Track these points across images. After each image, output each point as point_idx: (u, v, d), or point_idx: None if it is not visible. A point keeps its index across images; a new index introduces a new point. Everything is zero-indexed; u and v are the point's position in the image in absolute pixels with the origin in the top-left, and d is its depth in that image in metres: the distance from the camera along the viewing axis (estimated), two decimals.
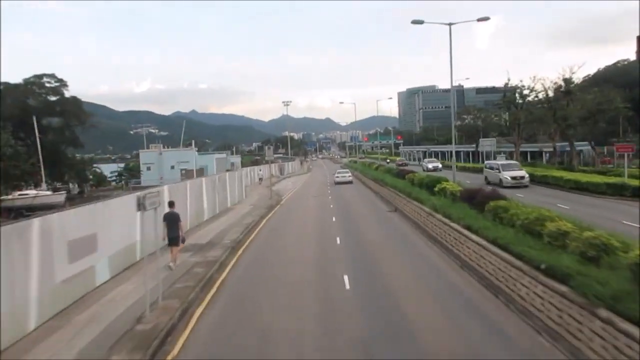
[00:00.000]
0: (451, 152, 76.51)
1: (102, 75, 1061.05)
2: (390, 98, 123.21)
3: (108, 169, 78.92)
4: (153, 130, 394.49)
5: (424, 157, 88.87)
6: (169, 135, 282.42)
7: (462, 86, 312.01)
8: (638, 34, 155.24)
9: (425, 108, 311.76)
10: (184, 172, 71.56)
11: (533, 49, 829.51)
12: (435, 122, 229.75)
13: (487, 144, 52.13)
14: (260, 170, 68.93)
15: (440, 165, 57.54)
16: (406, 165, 67.15)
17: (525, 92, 52.09)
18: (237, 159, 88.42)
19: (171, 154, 75.45)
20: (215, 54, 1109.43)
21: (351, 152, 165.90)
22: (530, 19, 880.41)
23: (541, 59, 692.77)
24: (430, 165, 57.22)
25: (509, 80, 52.65)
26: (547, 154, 58.50)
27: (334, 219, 25.20)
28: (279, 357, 8.40)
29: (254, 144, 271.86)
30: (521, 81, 52.94)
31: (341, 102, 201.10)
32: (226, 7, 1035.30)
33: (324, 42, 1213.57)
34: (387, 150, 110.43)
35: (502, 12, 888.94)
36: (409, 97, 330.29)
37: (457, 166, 58.68)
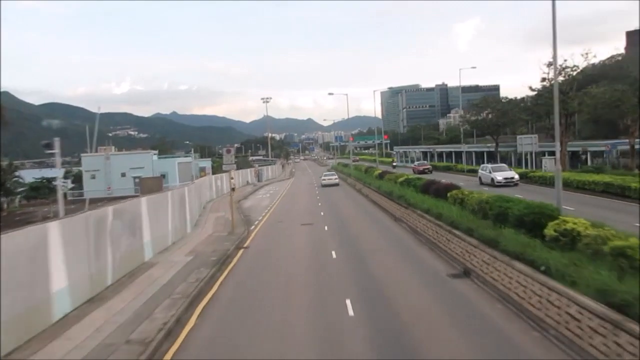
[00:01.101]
0: (463, 152, 62.38)
1: (80, 77, 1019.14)
2: (389, 88, 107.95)
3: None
4: (132, 133, 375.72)
5: (424, 158, 75.09)
6: (148, 137, 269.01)
7: (446, 85, 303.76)
8: (627, 30, 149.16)
9: (409, 107, 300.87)
10: (137, 180, 56.77)
11: (512, 50, 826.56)
12: (419, 122, 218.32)
13: (526, 142, 38.71)
14: (232, 178, 54.41)
15: (517, 177, 34.75)
16: (430, 171, 52.13)
17: (573, 73, 39.02)
18: (207, 163, 73.40)
19: (122, 159, 60.51)
20: (196, 54, 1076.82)
21: (337, 152, 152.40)
22: (508, 22, 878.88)
23: (520, 59, 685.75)
24: (500, 177, 34.38)
25: (552, 60, 39.13)
26: (586, 154, 45.40)
27: (348, 305, 11.23)
28: None
29: (235, 145, 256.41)
30: (565, 61, 39.83)
31: (330, 93, 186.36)
32: (207, 8, 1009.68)
33: (305, 43, 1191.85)
34: (377, 151, 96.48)
35: (480, 15, 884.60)
36: (392, 97, 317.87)
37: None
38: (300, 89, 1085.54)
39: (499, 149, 53.62)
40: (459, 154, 65.40)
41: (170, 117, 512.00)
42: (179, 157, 69.82)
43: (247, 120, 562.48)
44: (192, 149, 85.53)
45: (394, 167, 62.53)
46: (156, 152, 66.04)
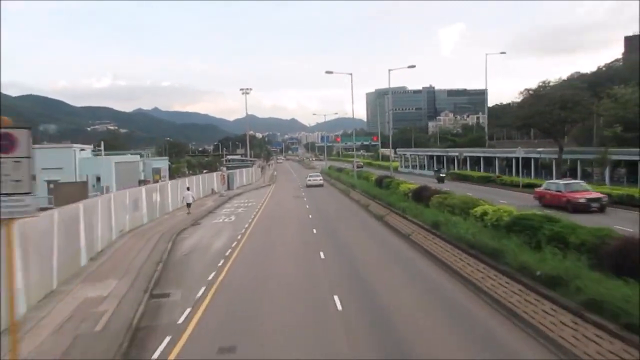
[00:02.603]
0: (519, 159, 36.29)
1: (60, 70, 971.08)
2: (395, 77, 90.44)
3: None
4: (112, 127, 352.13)
5: (438, 163, 58.10)
6: (129, 132, 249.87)
7: (434, 87, 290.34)
8: (625, 35, 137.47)
9: (395, 110, 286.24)
10: (52, 186, 38.64)
11: (496, 57, 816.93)
12: (405, 124, 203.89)
13: None
14: (188, 188, 36.72)
15: None
16: (602, 208, 23.96)
17: None
18: (163, 163, 54.84)
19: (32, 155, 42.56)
20: (180, 52, 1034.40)
21: (324, 153, 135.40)
22: (493, 29, 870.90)
23: (504, 66, 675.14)
24: None
25: None
26: None
27: None
28: None
29: (214, 144, 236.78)
30: None
31: (328, 72, 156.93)
32: (192, 5, 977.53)
33: (291, 43, 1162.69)
34: (371, 154, 79.94)
35: (465, 21, 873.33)
36: (377, 98, 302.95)
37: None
38: (285, 88, 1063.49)
39: (563, 156, 37.04)
40: (488, 161, 48.82)
41: (152, 113, 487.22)
42: (127, 154, 51.37)
43: (231, 118, 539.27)
44: (154, 146, 66.96)
45: (441, 179, 44.19)
46: (86, 147, 47.28)
